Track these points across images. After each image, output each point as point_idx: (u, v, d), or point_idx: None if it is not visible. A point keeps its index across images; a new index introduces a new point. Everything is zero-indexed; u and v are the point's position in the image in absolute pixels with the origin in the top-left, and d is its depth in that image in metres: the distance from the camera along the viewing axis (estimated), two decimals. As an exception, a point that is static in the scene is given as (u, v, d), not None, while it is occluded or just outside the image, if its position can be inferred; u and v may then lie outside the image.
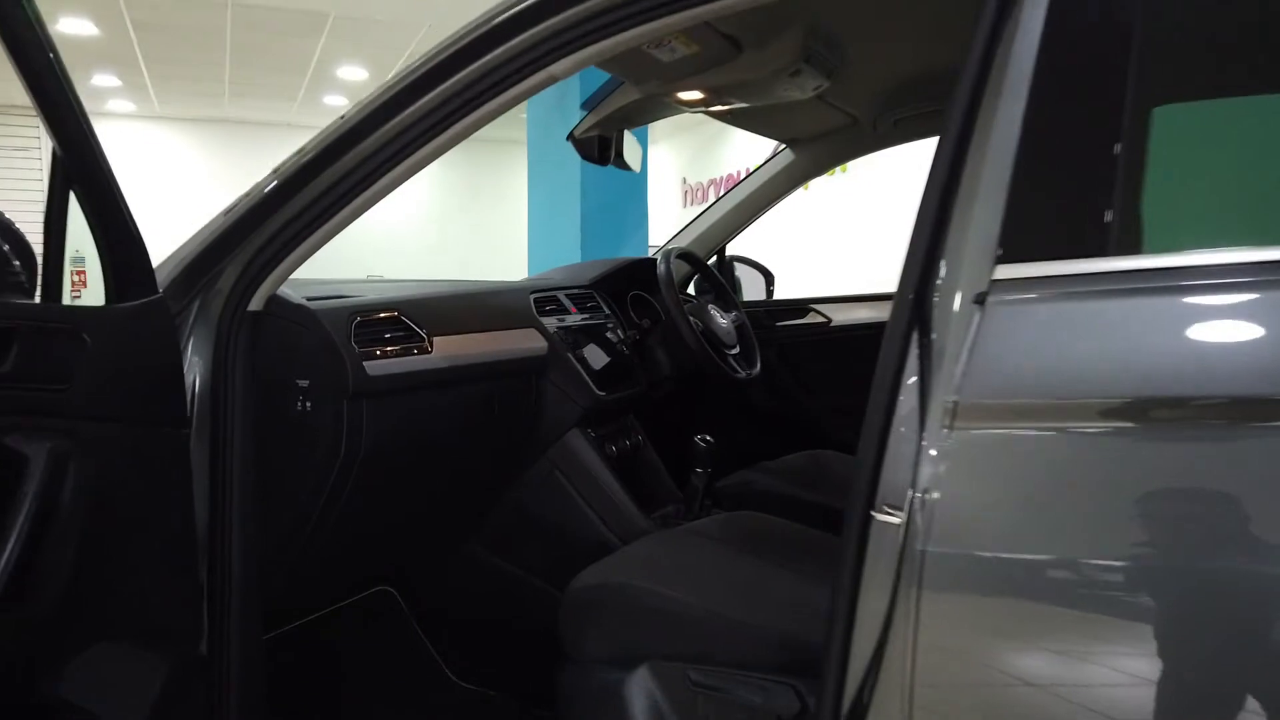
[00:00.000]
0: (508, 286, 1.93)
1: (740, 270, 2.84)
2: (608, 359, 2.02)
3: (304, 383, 1.40)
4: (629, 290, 2.39)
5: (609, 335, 2.10)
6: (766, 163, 2.49)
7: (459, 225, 11.45)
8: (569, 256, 5.07)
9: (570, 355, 1.89)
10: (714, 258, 2.68)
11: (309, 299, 1.45)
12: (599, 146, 1.95)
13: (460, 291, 1.81)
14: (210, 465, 1.26)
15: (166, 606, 1.22)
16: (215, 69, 8.07)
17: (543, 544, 1.91)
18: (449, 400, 1.63)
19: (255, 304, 1.32)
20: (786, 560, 1.54)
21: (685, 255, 2.35)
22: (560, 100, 5.17)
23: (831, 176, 7.96)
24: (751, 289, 2.84)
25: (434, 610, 2.00)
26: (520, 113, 6.34)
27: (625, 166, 2.01)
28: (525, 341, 1.81)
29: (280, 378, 1.41)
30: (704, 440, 1.95)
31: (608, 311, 2.18)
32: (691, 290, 2.74)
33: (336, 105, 9.43)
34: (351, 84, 8.51)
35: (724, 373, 2.16)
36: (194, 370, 1.27)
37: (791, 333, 2.63)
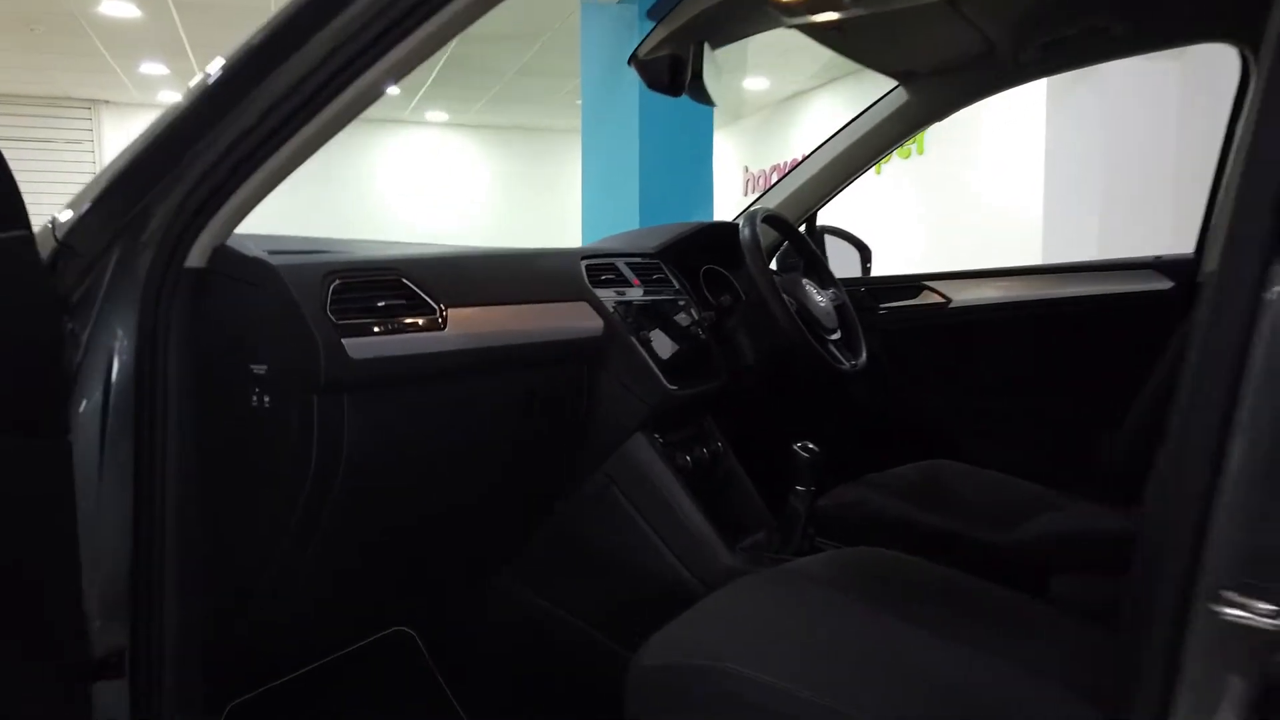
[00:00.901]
0: (552, 252, 1.51)
1: (830, 245, 2.38)
2: (679, 345, 1.58)
3: (260, 369, 1.00)
4: (701, 263, 1.96)
5: (680, 316, 1.67)
6: (873, 106, 2.02)
7: (512, 219, 11.12)
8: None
9: (634, 338, 1.45)
10: (803, 225, 2.23)
11: (271, 253, 1.04)
12: (670, 69, 1.51)
13: (489, 254, 1.39)
14: (135, 486, 0.87)
15: None
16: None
17: (598, 581, 1.48)
18: (469, 394, 1.22)
19: (195, 258, 0.93)
20: (936, 623, 1.08)
21: (772, 219, 1.90)
22: (614, 68, 4.75)
23: (906, 158, 7.42)
24: (842, 268, 2.37)
25: (459, 659, 1.59)
26: (575, 97, 5.93)
27: (702, 97, 1.57)
28: (575, 318, 1.38)
29: (229, 362, 1.01)
30: (806, 449, 1.50)
31: (677, 286, 1.75)
32: (774, 266, 2.29)
33: (388, 93, 9.14)
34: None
35: (824, 363, 1.71)
36: (109, 350, 0.87)
37: (900, 316, 2.16)
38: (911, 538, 1.56)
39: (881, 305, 2.18)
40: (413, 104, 9.70)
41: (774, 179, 9.24)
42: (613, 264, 1.58)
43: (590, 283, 1.45)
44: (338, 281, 1.04)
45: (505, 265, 1.38)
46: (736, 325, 1.83)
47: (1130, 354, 1.95)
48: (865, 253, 2.49)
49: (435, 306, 1.14)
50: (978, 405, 2.09)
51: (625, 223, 4.64)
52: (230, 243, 0.99)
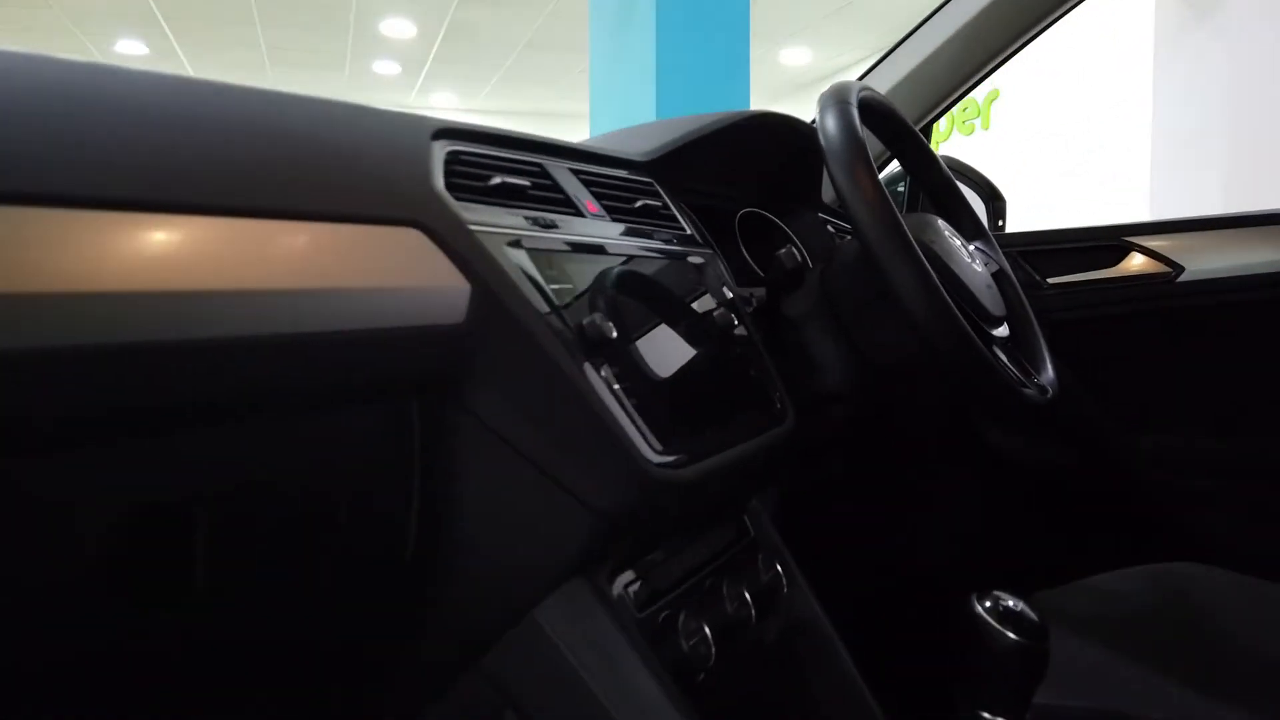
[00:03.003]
0: (386, 113, 0.61)
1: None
2: (691, 353, 0.69)
3: None
4: (739, 205, 1.09)
5: (698, 287, 0.78)
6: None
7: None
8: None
9: (564, 330, 0.56)
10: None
11: None
12: None
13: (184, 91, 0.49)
14: None
15: None
16: (246, 29, 7.04)
17: None
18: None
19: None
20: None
21: (877, 109, 0.99)
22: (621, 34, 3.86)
23: (970, 135, 6.44)
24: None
25: None
26: (585, 75, 5.00)
27: None
28: (396, 270, 0.49)
29: None
30: (1002, 610, 0.60)
31: (690, 231, 0.86)
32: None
33: (389, 74, 8.35)
34: (400, 42, 7.38)
35: (1005, 391, 0.81)
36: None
37: (1085, 299, 1.25)
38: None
39: (1049, 280, 1.27)
40: (417, 86, 8.88)
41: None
42: (541, 168, 0.68)
43: (449, 186, 0.55)
44: None
45: (221, 118, 0.48)
46: (810, 315, 0.94)
47: None
48: (997, 203, 1.57)
49: None
50: (1239, 456, 1.17)
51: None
52: None
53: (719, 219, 1.06)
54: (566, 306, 0.57)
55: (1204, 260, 1.17)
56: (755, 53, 7.26)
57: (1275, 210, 1.18)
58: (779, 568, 0.75)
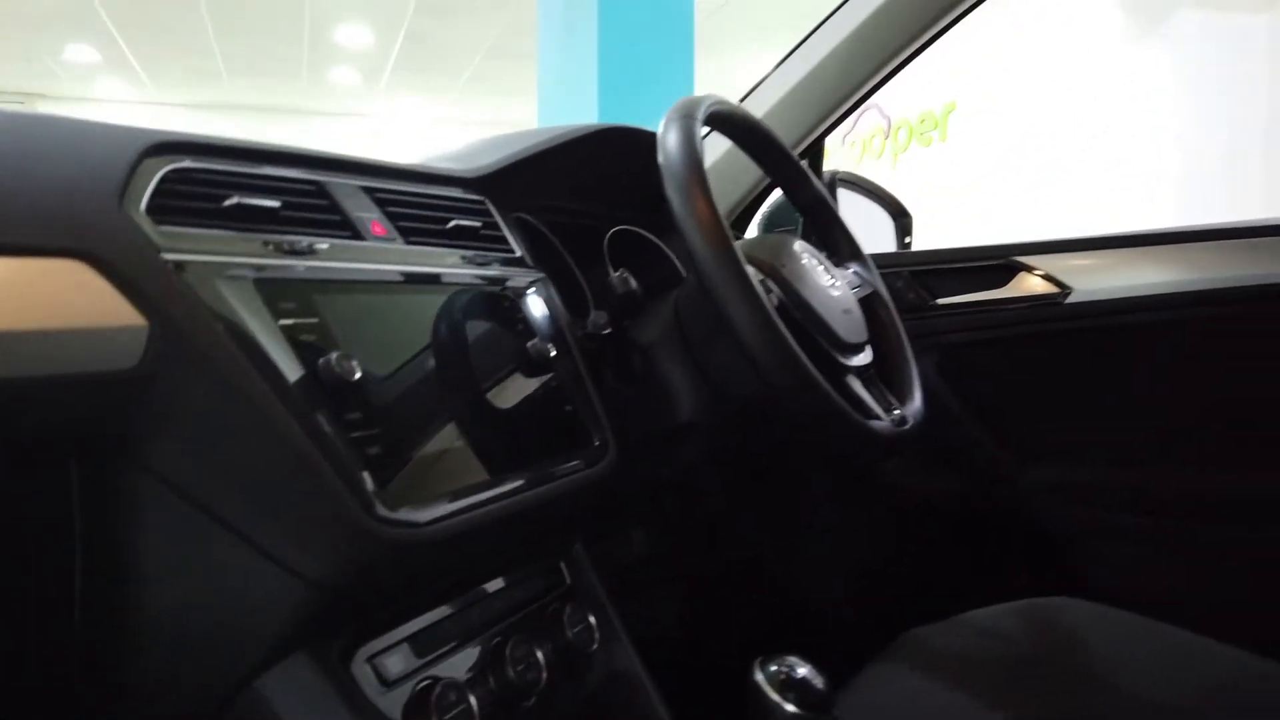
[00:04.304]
0: (103, 127, 0.55)
1: (845, 203, 1.42)
2: (493, 391, 0.64)
3: None
4: (610, 220, 1.03)
5: (513, 317, 0.72)
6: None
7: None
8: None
9: (283, 369, 0.49)
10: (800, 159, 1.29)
11: None
12: None
13: None
14: None
15: None
16: (199, 36, 6.93)
17: None
18: None
19: None
20: None
21: (730, 120, 0.94)
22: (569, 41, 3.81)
23: (928, 146, 6.44)
24: (865, 241, 1.41)
25: None
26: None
27: None
28: (47, 308, 0.42)
29: None
30: (790, 683, 0.55)
31: (518, 252, 0.80)
32: (755, 228, 1.35)
33: (348, 82, 8.26)
34: (356, 51, 7.30)
35: (847, 426, 0.76)
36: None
37: (975, 320, 1.20)
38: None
39: (939, 300, 1.23)
40: (379, 94, 8.79)
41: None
42: (319, 186, 0.62)
43: (156, 210, 0.49)
44: None
45: None
46: (661, 342, 0.88)
47: None
48: (903, 220, 1.53)
49: None
50: (1123, 485, 1.13)
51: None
52: None
53: (593, 237, 1.01)
54: (297, 344, 0.51)
55: (1093, 280, 1.13)
56: (716, 64, 7.24)
57: (1162, 230, 1.14)
58: (592, 620, 0.69)
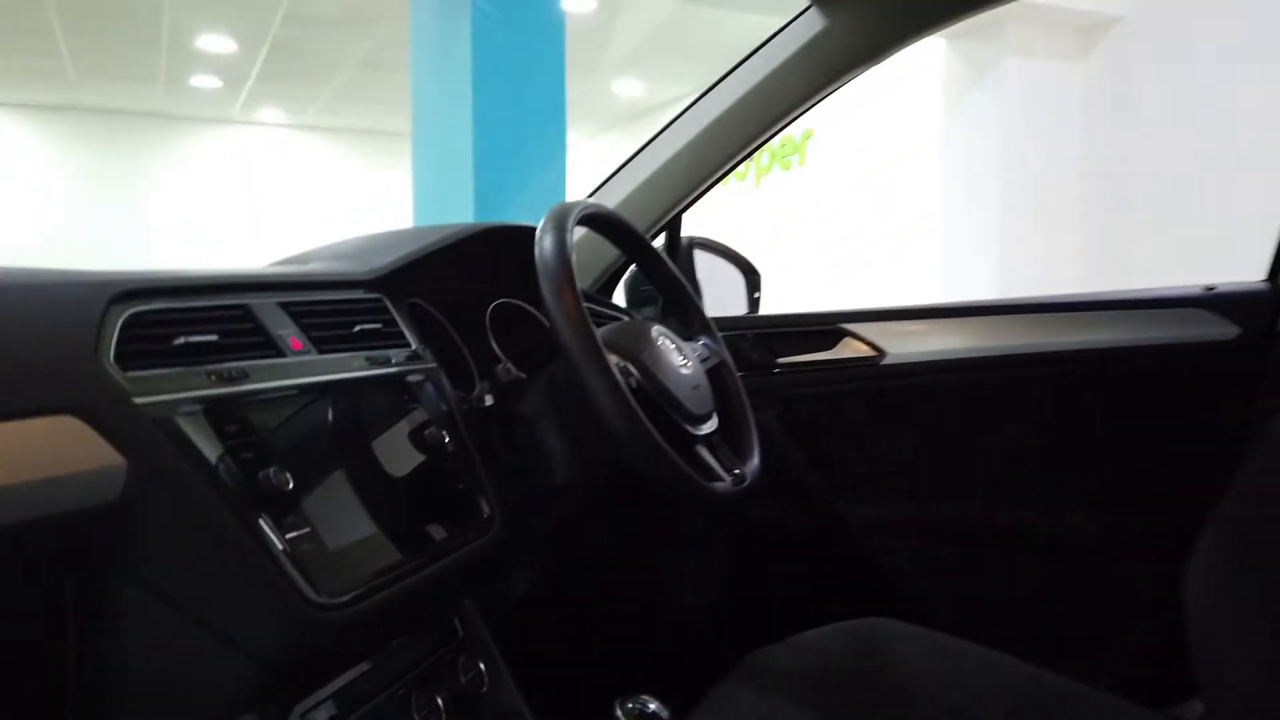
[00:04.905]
0: (64, 278, 0.64)
1: (701, 265, 1.60)
2: (397, 476, 0.76)
3: None
4: (490, 294, 1.16)
5: (408, 406, 0.84)
6: (771, 40, 1.25)
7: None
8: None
9: (230, 499, 0.61)
10: (659, 236, 1.45)
11: None
12: None
13: None
14: None
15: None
16: (45, 39, 6.58)
17: None
18: None
19: None
20: None
21: (599, 219, 1.09)
22: (445, 51, 3.88)
23: (788, 170, 6.80)
24: (720, 302, 1.59)
25: None
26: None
27: None
28: (40, 460, 0.53)
29: None
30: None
31: (411, 344, 0.92)
32: (620, 296, 1.50)
33: (209, 88, 7.98)
34: (220, 57, 7.08)
35: (692, 489, 0.92)
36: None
37: (809, 378, 1.39)
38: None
39: (780, 360, 1.41)
40: (240, 101, 8.53)
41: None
42: (244, 310, 0.73)
43: (128, 360, 0.60)
44: None
45: None
46: (539, 414, 1.02)
47: (1177, 443, 1.25)
48: (753, 278, 1.71)
49: None
50: (931, 520, 1.34)
51: (456, 185, 3.73)
52: None
53: (475, 311, 1.13)
54: (241, 462, 0.62)
55: (904, 345, 1.34)
56: (588, 84, 7.40)
57: (961, 304, 1.36)
58: (482, 666, 0.83)
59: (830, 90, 1.26)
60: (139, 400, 0.58)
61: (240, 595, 0.59)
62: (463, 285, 1.15)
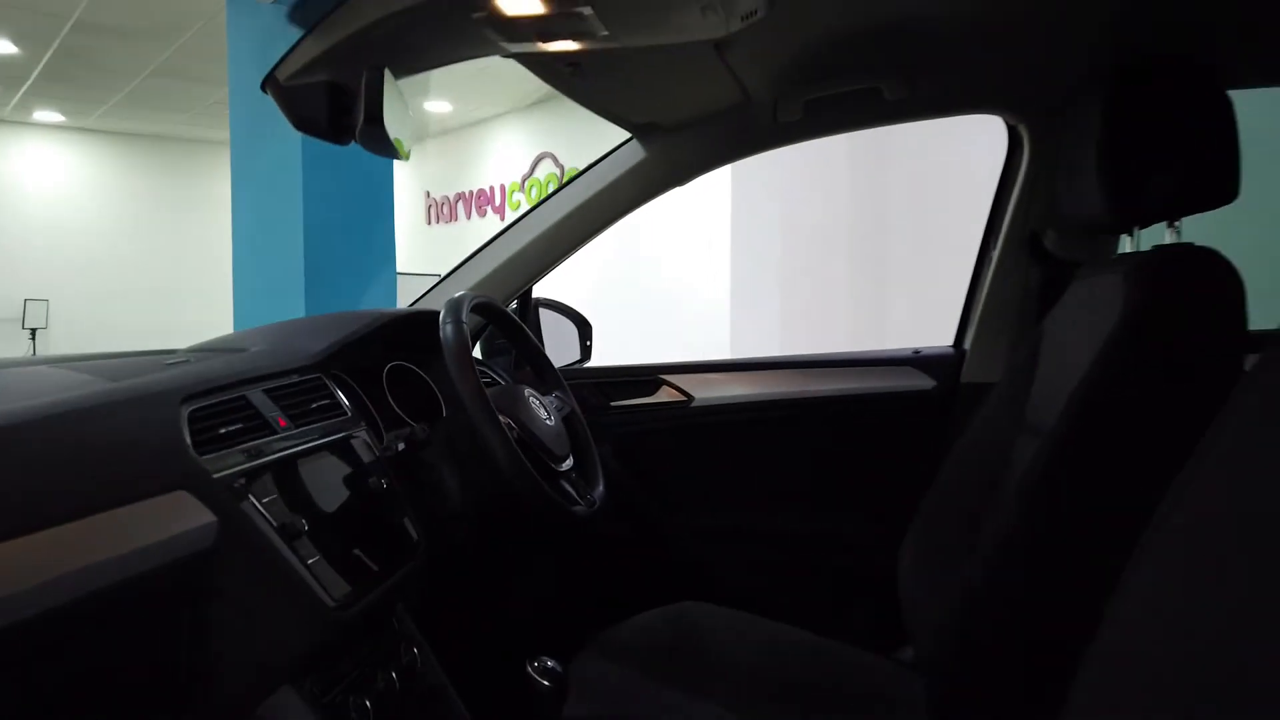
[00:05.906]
0: (136, 390, 0.90)
1: (546, 319, 1.95)
2: (353, 513, 1.05)
3: None
4: (384, 359, 1.44)
5: (353, 462, 1.14)
6: (600, 163, 1.62)
7: (150, 239, 9.59)
8: (288, 294, 3.73)
9: (274, 534, 0.90)
10: (513, 303, 1.78)
11: None
12: (329, 103, 0.97)
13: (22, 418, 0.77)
14: None
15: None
16: None
17: None
18: None
19: None
20: None
21: (486, 309, 1.42)
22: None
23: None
24: (559, 349, 1.96)
25: None
26: (224, 105, 4.94)
27: (382, 147, 1.04)
28: (166, 524, 0.80)
29: None
30: (546, 670, 1.04)
31: (348, 412, 1.21)
32: (478, 353, 1.82)
33: (-24, 86, 7.40)
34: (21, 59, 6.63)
35: (559, 513, 1.27)
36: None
37: (635, 417, 1.77)
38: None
39: (613, 403, 1.78)
40: (13, 103, 7.95)
41: (460, 210, 8.72)
42: (244, 399, 1.01)
43: (198, 447, 0.88)
44: None
45: (39, 436, 0.76)
46: (442, 458, 1.32)
47: (895, 463, 1.72)
48: (585, 328, 2.08)
49: None
50: (730, 525, 1.76)
51: (285, 269, 3.78)
52: None
53: (365, 377, 1.41)
54: (273, 511, 0.91)
55: (707, 391, 1.75)
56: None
57: (749, 359, 1.79)
58: (415, 650, 1.14)
59: (649, 199, 1.65)
60: (215, 475, 0.86)
61: (287, 601, 0.88)
62: (367, 353, 1.44)
